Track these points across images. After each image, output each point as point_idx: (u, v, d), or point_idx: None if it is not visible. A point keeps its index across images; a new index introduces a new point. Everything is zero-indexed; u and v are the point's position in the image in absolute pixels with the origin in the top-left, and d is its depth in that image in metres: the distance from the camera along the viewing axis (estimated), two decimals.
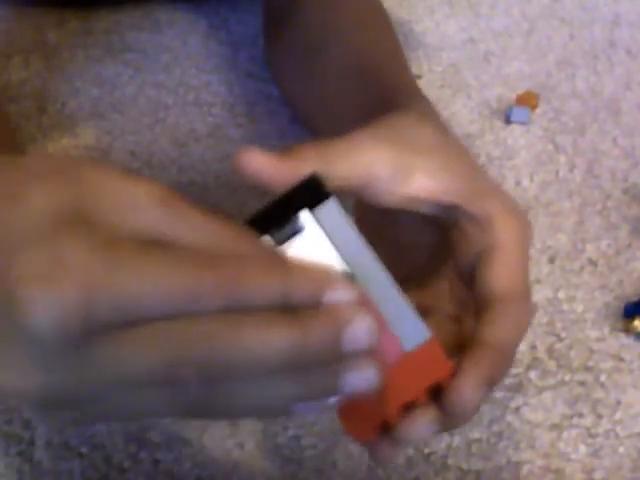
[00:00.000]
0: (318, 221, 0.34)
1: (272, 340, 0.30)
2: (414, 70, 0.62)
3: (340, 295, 0.31)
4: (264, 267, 0.31)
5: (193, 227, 0.33)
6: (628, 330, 0.51)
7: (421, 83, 0.70)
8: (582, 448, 0.45)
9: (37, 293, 0.29)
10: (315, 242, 0.34)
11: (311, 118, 0.62)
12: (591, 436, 0.46)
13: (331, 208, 0.34)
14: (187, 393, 0.31)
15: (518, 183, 0.62)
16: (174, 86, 0.70)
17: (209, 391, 0.31)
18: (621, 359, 0.50)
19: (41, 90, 0.69)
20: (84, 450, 0.44)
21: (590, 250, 0.57)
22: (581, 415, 0.47)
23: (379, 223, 0.41)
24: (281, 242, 0.34)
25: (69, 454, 0.43)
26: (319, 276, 0.31)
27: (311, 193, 0.34)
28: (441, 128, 0.44)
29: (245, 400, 0.31)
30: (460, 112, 0.68)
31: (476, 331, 0.37)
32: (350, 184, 0.38)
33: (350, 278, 0.34)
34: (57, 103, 0.68)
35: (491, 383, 0.36)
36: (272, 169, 0.36)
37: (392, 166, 0.39)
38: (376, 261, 0.34)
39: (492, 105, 0.69)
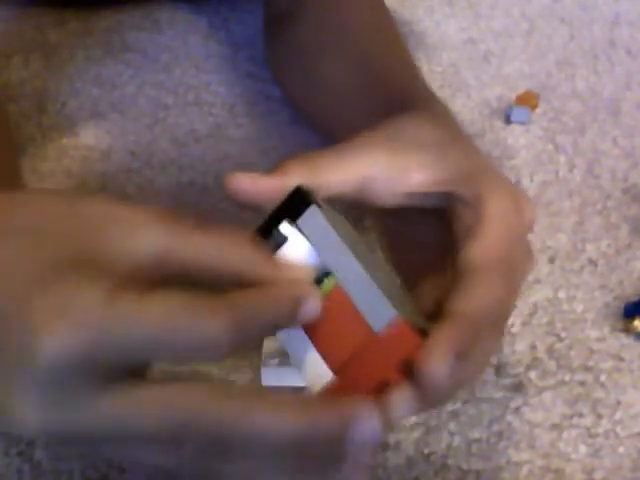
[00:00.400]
0: (300, 229, 0.36)
1: (278, 426, 0.31)
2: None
3: (364, 431, 0.32)
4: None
5: (193, 242, 0.33)
6: (628, 330, 0.51)
7: None
8: (582, 448, 0.45)
9: (51, 324, 0.30)
10: (299, 249, 0.36)
11: (317, 119, 0.62)
12: (591, 436, 0.46)
13: (311, 215, 0.36)
14: (188, 459, 0.31)
15: (518, 183, 0.61)
16: (174, 86, 0.70)
17: (210, 461, 0.32)
18: (621, 359, 0.50)
19: (41, 90, 0.69)
20: (84, 450, 0.44)
21: (590, 250, 0.57)
22: (581, 415, 0.47)
23: (391, 225, 0.41)
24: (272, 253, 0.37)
25: (69, 454, 0.43)
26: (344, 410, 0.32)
27: (296, 204, 0.37)
28: (442, 123, 0.44)
29: (244, 473, 0.32)
30: (460, 112, 0.68)
31: (447, 302, 0.36)
32: (344, 191, 0.39)
33: (329, 276, 0.36)
34: (57, 103, 0.68)
35: (461, 353, 0.35)
36: (260, 188, 0.37)
37: (387, 166, 0.39)
38: (350, 255, 0.35)
39: (492, 105, 0.69)
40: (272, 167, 0.38)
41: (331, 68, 0.59)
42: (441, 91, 0.70)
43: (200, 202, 0.59)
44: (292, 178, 0.37)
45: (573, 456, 0.45)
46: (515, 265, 0.39)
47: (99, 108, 0.67)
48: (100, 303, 0.30)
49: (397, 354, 0.34)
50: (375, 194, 0.39)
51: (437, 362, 0.33)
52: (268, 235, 0.37)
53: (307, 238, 0.36)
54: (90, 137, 0.64)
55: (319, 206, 0.37)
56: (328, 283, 0.36)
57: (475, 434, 0.45)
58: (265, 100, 0.69)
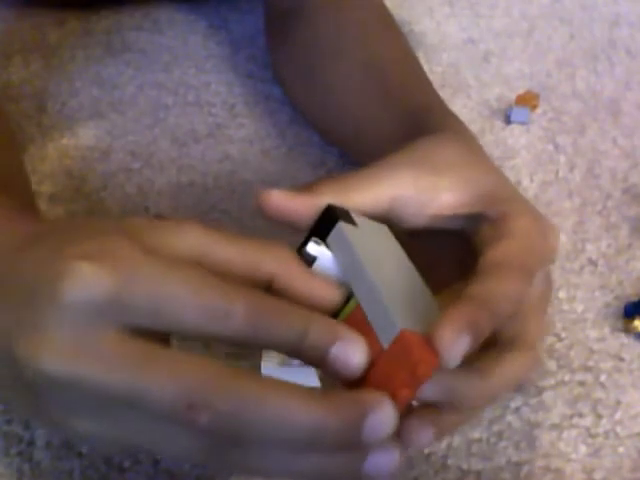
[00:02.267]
0: (329, 247, 0.37)
1: (295, 411, 0.30)
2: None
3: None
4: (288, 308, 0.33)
5: (231, 244, 0.35)
6: (628, 330, 0.51)
7: None
8: (582, 448, 0.45)
9: (81, 266, 0.31)
10: (328, 267, 0.37)
11: (319, 121, 0.62)
12: (591, 436, 0.46)
13: (337, 233, 0.37)
14: (203, 441, 0.31)
15: (518, 183, 0.61)
16: (174, 86, 0.70)
17: (224, 448, 0.32)
18: (621, 359, 0.50)
19: (41, 90, 0.69)
20: (84, 450, 0.44)
21: (590, 250, 0.57)
22: (581, 415, 0.47)
23: (410, 245, 0.42)
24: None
25: (69, 454, 0.43)
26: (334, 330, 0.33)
27: (325, 222, 0.38)
28: (466, 143, 0.44)
29: (259, 465, 0.32)
30: (460, 112, 0.68)
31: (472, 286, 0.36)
32: (373, 212, 0.39)
33: (350, 293, 0.36)
34: (57, 103, 0.68)
35: (474, 330, 0.33)
36: (292, 206, 0.38)
37: (416, 188, 0.40)
38: (366, 272, 0.35)
39: (492, 105, 0.69)
40: (297, 184, 0.39)
41: (335, 71, 0.59)
42: (441, 91, 0.70)
43: (200, 202, 0.59)
44: (323, 198, 0.38)
45: (573, 456, 0.45)
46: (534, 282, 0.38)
47: (99, 108, 0.67)
48: (135, 251, 0.32)
49: (405, 368, 0.33)
50: (403, 215, 0.40)
51: (449, 338, 0.32)
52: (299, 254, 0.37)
53: (335, 256, 0.37)
54: (90, 137, 0.64)
55: (351, 223, 0.37)
56: (352, 302, 0.36)
57: (475, 434, 0.45)
58: (265, 100, 0.69)
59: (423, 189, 0.40)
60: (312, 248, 0.37)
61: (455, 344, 0.32)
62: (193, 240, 0.34)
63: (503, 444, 0.45)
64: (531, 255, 0.38)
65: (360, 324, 0.34)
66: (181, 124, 0.66)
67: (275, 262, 0.35)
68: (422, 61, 0.73)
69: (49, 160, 0.62)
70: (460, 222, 0.40)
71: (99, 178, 0.61)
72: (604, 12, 0.81)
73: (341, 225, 0.37)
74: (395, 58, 0.59)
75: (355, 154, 0.58)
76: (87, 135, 0.65)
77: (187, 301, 0.31)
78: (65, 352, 0.31)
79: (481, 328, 0.34)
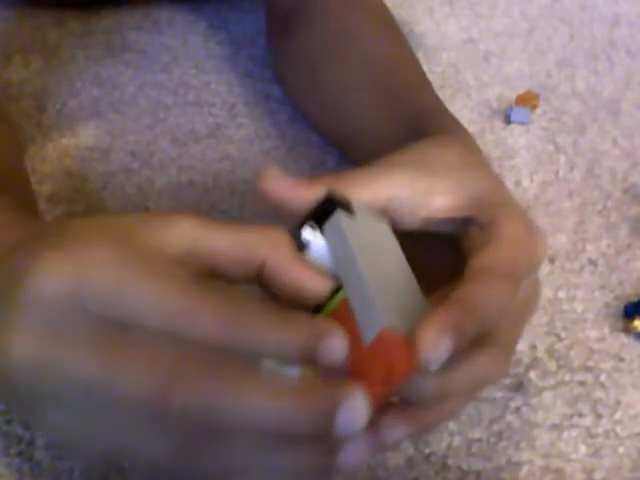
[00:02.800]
0: (324, 234, 0.37)
1: (263, 401, 0.30)
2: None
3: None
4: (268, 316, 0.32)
5: (222, 232, 0.35)
6: (628, 330, 0.51)
7: None
8: (582, 448, 0.45)
9: (46, 257, 0.32)
10: (320, 254, 0.37)
11: (320, 122, 0.62)
12: (591, 436, 0.46)
13: (334, 221, 0.37)
14: (174, 435, 0.31)
15: (518, 183, 0.62)
16: (174, 86, 0.70)
17: (197, 443, 0.31)
18: (621, 359, 0.50)
19: (41, 90, 0.69)
20: None
21: (590, 250, 0.57)
22: (581, 415, 0.47)
23: (403, 245, 0.42)
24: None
25: (69, 454, 0.43)
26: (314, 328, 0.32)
27: (324, 209, 0.37)
28: (463, 146, 0.44)
29: (232, 462, 0.32)
30: (460, 112, 0.68)
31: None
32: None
33: (339, 284, 0.36)
34: (57, 103, 0.68)
35: (457, 334, 0.33)
36: (291, 193, 0.38)
37: (411, 191, 0.40)
38: (356, 264, 0.35)
39: (492, 105, 0.69)
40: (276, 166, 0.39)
41: (336, 72, 0.59)
42: (441, 91, 0.70)
43: (200, 202, 0.59)
44: (323, 190, 0.38)
45: (573, 456, 0.45)
46: (523, 280, 0.38)
47: (99, 108, 0.67)
48: (109, 253, 0.32)
49: (382, 366, 0.33)
50: (397, 216, 0.40)
51: (431, 338, 0.32)
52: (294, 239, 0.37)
53: (327, 244, 0.37)
54: (90, 137, 0.64)
55: (350, 213, 0.37)
56: (340, 295, 0.35)
57: (475, 434, 0.45)
58: (265, 100, 0.69)
59: (418, 191, 0.40)
60: (307, 233, 0.37)
61: (437, 346, 0.32)
62: (185, 231, 0.34)
63: (503, 444, 0.45)
64: (518, 262, 0.38)
65: (345, 318, 0.34)
66: (181, 124, 0.66)
67: (268, 248, 0.35)
68: (422, 61, 0.73)
69: (49, 160, 0.62)
70: (452, 225, 0.40)
71: (99, 178, 0.61)
72: (604, 12, 0.81)
73: (339, 214, 0.37)
74: (395, 60, 0.59)
75: (354, 155, 0.58)
76: (87, 135, 0.65)
77: (147, 300, 0.31)
78: (35, 339, 0.31)
79: (464, 332, 0.33)
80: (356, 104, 0.56)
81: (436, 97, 0.55)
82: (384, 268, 0.37)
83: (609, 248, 0.57)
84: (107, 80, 0.70)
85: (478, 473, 0.44)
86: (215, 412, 0.30)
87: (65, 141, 0.64)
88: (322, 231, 0.37)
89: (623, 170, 0.63)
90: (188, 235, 0.34)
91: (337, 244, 0.36)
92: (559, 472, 0.44)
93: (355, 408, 0.30)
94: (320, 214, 0.37)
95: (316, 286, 0.35)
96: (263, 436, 0.31)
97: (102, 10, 0.78)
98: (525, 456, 0.44)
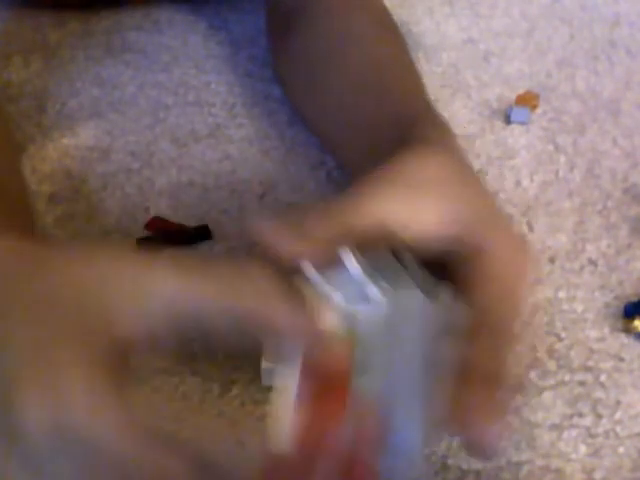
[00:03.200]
0: (394, 297, 0.35)
1: None
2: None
3: None
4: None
5: (208, 285, 0.34)
6: (628, 330, 0.51)
7: None
8: (582, 448, 0.45)
9: (29, 394, 0.32)
10: (380, 330, 0.35)
11: (322, 127, 0.61)
12: (591, 436, 0.46)
13: (407, 295, 0.35)
14: None
15: (518, 183, 0.61)
16: (174, 86, 0.70)
17: None
18: (621, 359, 0.50)
19: (41, 90, 0.69)
20: None
21: (590, 250, 0.57)
22: (581, 415, 0.47)
23: None
24: (350, 301, 0.35)
25: None
26: None
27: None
28: (454, 159, 0.44)
29: None
30: (460, 112, 0.68)
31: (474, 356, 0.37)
32: (366, 236, 0.38)
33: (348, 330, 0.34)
34: (57, 103, 0.68)
35: (498, 414, 0.36)
36: (287, 244, 0.37)
37: (402, 211, 0.39)
38: (418, 385, 0.34)
39: (492, 105, 0.69)
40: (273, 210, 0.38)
41: (334, 75, 0.59)
42: (441, 91, 0.70)
43: (200, 202, 0.59)
44: (320, 231, 0.37)
45: (573, 456, 0.45)
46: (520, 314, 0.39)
47: (99, 108, 0.67)
48: (79, 388, 0.31)
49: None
50: (389, 236, 0.39)
51: (490, 440, 0.35)
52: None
53: (396, 329, 0.35)
54: (90, 137, 0.64)
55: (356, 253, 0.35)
56: (344, 336, 0.34)
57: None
58: (265, 100, 0.69)
59: (409, 211, 0.39)
60: (372, 291, 0.35)
61: (494, 439, 0.35)
62: (162, 289, 0.33)
63: (503, 444, 0.45)
64: (518, 294, 0.39)
65: (341, 371, 0.33)
66: (181, 124, 0.66)
67: (254, 298, 0.34)
68: (422, 61, 0.73)
69: (49, 160, 0.62)
70: (442, 244, 0.39)
71: (99, 178, 0.61)
72: (604, 12, 0.81)
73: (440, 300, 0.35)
74: (393, 64, 0.59)
75: (347, 159, 0.57)
76: (87, 135, 0.65)
77: (113, 445, 0.31)
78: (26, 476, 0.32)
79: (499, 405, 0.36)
80: (353, 109, 0.56)
81: (428, 102, 0.54)
82: (404, 365, 0.35)
83: (609, 248, 0.57)
84: (107, 80, 0.70)
85: (478, 473, 0.44)
86: None
87: (65, 141, 0.64)
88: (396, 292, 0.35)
89: (623, 170, 0.63)
90: (168, 293, 0.33)
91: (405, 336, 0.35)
92: (559, 472, 0.44)
93: None
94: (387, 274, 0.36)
95: (313, 330, 0.34)
96: None
97: (102, 10, 0.78)
98: (525, 456, 0.44)
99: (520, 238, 0.40)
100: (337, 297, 0.35)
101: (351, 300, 0.35)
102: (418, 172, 0.41)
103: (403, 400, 0.34)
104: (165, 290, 0.33)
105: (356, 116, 0.55)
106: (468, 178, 0.43)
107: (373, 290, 0.35)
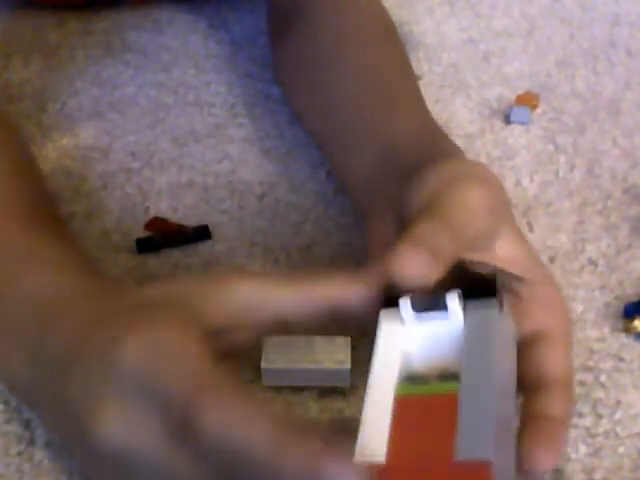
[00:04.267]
0: (465, 312, 0.34)
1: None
2: (414, 70, 0.62)
3: None
4: None
5: (287, 287, 0.37)
6: (628, 330, 0.51)
7: (421, 83, 0.70)
8: (582, 448, 0.45)
9: (126, 343, 0.34)
10: (447, 329, 0.34)
11: (321, 135, 0.61)
12: (591, 436, 0.46)
13: (488, 310, 0.34)
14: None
15: (518, 183, 0.61)
16: (174, 86, 0.70)
17: None
18: (621, 359, 0.50)
19: (41, 90, 0.69)
20: None
21: (590, 250, 0.57)
22: (581, 415, 0.47)
23: None
24: (419, 309, 0.35)
25: (69, 454, 0.43)
26: None
27: (481, 287, 0.35)
28: (496, 191, 0.43)
29: None
30: (460, 112, 0.68)
31: (538, 406, 0.38)
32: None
33: (452, 378, 0.33)
34: (57, 103, 0.68)
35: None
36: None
37: (475, 232, 0.39)
38: (491, 373, 0.32)
39: (492, 105, 0.69)
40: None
41: (332, 78, 0.59)
42: (441, 91, 0.70)
43: (200, 202, 0.59)
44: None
45: (573, 456, 0.45)
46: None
47: (99, 108, 0.67)
48: (177, 341, 0.34)
49: None
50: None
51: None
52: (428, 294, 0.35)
53: (465, 328, 0.34)
54: (90, 137, 0.64)
55: (501, 304, 0.34)
56: (447, 386, 0.33)
57: None
58: (265, 100, 0.69)
59: (484, 233, 0.40)
60: (451, 300, 0.34)
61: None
62: (243, 292, 0.36)
63: None
64: (571, 354, 0.40)
65: (445, 413, 0.31)
66: (181, 124, 0.66)
67: (332, 289, 0.36)
68: (422, 61, 0.73)
69: (49, 160, 0.62)
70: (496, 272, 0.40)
71: (99, 178, 0.61)
72: (604, 12, 0.81)
73: (495, 305, 0.34)
74: (391, 69, 0.59)
75: (341, 165, 0.57)
76: (87, 135, 0.65)
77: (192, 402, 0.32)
78: (120, 418, 0.34)
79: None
80: (353, 122, 0.56)
81: (428, 114, 0.55)
82: (505, 392, 0.34)
83: (609, 248, 0.57)
84: (107, 80, 0.70)
85: None
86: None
87: (65, 141, 0.64)
88: (466, 307, 0.34)
89: (623, 170, 0.63)
90: (248, 296, 0.36)
91: (477, 334, 0.33)
92: (559, 472, 0.44)
93: None
94: (472, 288, 0.35)
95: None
96: None
97: (102, 10, 0.78)
98: None
99: (561, 296, 0.42)
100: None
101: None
102: (467, 203, 0.40)
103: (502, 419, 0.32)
104: (247, 298, 0.36)
105: (357, 129, 0.55)
106: (508, 208, 0.43)
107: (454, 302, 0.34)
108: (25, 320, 0.41)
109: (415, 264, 0.35)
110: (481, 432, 0.30)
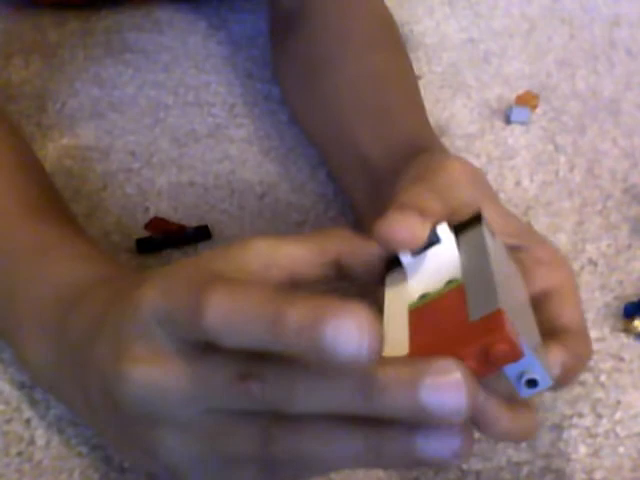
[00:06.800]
0: (459, 238, 0.37)
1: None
2: (414, 70, 0.62)
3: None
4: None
5: (295, 242, 0.37)
6: (628, 330, 0.51)
7: (421, 83, 0.70)
8: (582, 448, 0.45)
9: (147, 287, 0.34)
10: (445, 255, 0.36)
11: (317, 132, 0.61)
12: (591, 436, 0.46)
13: (478, 231, 0.37)
14: (254, 428, 0.32)
15: (518, 183, 0.62)
16: (174, 86, 0.70)
17: (278, 428, 0.32)
18: (621, 359, 0.50)
19: (41, 90, 0.69)
20: (84, 450, 0.44)
21: (590, 250, 0.57)
22: (581, 415, 0.47)
23: None
24: (416, 253, 0.37)
25: (69, 454, 0.43)
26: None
27: (468, 223, 0.38)
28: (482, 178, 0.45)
29: (311, 452, 0.31)
30: (460, 112, 0.68)
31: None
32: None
33: (452, 282, 0.35)
34: (57, 103, 0.68)
35: (565, 379, 0.37)
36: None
37: (460, 203, 0.40)
38: (488, 265, 0.34)
39: (492, 105, 0.69)
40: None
41: (332, 83, 0.59)
42: (441, 91, 0.70)
43: (200, 202, 0.59)
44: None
45: (573, 456, 0.45)
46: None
47: (99, 108, 0.67)
48: (193, 276, 0.33)
49: (480, 342, 0.30)
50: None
51: (556, 358, 0.37)
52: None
53: (460, 246, 0.36)
54: (90, 137, 0.64)
55: (491, 233, 0.37)
56: (448, 286, 0.35)
57: (475, 434, 0.45)
58: (265, 100, 0.69)
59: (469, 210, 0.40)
60: (442, 230, 0.37)
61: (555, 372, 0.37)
62: (259, 249, 0.36)
63: (503, 444, 0.45)
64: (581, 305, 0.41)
65: (454, 304, 0.33)
66: (181, 124, 0.66)
67: (338, 241, 0.37)
68: (422, 61, 0.73)
69: (49, 160, 0.62)
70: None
71: (99, 178, 0.61)
72: (604, 12, 0.81)
73: (484, 227, 0.37)
74: (391, 74, 0.59)
75: (338, 168, 0.57)
76: (87, 135, 0.65)
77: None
78: (142, 363, 0.33)
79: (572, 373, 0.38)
80: (351, 130, 0.56)
81: (426, 122, 0.55)
82: (511, 286, 0.36)
83: (609, 248, 0.57)
84: (107, 80, 0.70)
85: (478, 473, 0.44)
86: (295, 391, 0.31)
87: (65, 141, 0.64)
88: (457, 237, 0.37)
89: (623, 170, 0.63)
90: (263, 250, 0.36)
91: (471, 249, 0.36)
92: (559, 472, 0.44)
93: (450, 381, 0.29)
94: (461, 226, 0.38)
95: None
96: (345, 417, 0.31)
97: (102, 10, 0.78)
98: (525, 456, 0.44)
99: (560, 253, 0.43)
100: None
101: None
102: (468, 179, 0.42)
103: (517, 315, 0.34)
104: (261, 254, 0.36)
105: (352, 136, 0.55)
106: (491, 190, 0.45)
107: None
108: (47, 311, 0.41)
109: (405, 227, 0.36)
110: (487, 293, 0.32)
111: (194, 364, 0.32)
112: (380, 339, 0.28)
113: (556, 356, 0.37)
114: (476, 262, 0.35)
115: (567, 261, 0.43)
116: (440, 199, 0.39)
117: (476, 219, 0.38)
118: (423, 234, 0.37)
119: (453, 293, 0.34)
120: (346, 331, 0.28)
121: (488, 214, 0.40)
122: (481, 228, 0.37)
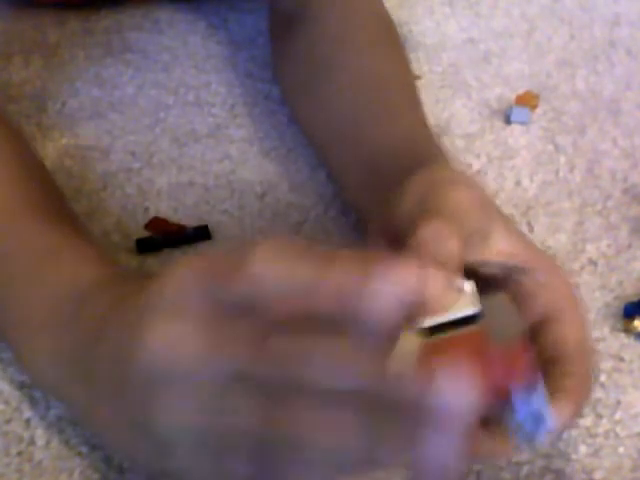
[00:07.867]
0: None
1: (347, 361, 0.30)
2: (414, 70, 0.62)
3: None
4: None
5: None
6: (628, 330, 0.51)
7: (421, 83, 0.70)
8: (582, 448, 0.45)
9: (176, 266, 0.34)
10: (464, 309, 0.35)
11: (316, 133, 0.61)
12: (591, 436, 0.46)
13: (497, 298, 0.37)
14: (259, 401, 0.32)
15: (518, 183, 0.62)
16: (174, 86, 0.70)
17: (278, 408, 0.32)
18: (621, 359, 0.50)
19: (41, 90, 0.69)
20: (84, 450, 0.44)
21: (590, 250, 0.57)
22: (581, 415, 0.47)
23: None
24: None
25: (69, 454, 0.43)
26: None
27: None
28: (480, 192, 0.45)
29: (309, 440, 0.31)
30: (460, 112, 0.68)
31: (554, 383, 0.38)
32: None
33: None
34: (57, 103, 0.68)
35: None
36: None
37: (470, 230, 0.40)
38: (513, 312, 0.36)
39: (492, 105, 0.69)
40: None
41: (331, 85, 0.59)
42: (441, 91, 0.70)
43: (200, 202, 0.59)
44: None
45: (573, 456, 0.45)
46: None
47: (99, 108, 0.67)
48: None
49: (504, 364, 0.31)
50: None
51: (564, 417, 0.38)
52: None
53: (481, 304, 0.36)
54: (90, 137, 0.64)
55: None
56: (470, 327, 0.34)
57: None
58: (265, 100, 0.69)
59: (477, 231, 0.40)
60: (467, 283, 0.35)
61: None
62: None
63: None
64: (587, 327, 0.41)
65: (467, 343, 0.33)
66: (181, 124, 0.66)
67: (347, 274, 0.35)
68: (422, 61, 0.73)
69: (49, 160, 0.62)
70: (501, 269, 0.41)
71: (99, 178, 0.61)
72: (604, 12, 0.81)
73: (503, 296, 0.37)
74: (391, 76, 0.59)
75: (344, 184, 0.57)
76: (87, 135, 0.65)
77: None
78: (166, 319, 0.33)
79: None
80: (351, 132, 0.56)
81: (425, 124, 0.55)
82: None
83: (609, 248, 0.57)
84: (107, 80, 0.70)
85: (478, 473, 0.44)
86: (305, 366, 0.31)
87: (65, 141, 0.64)
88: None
89: (623, 170, 0.63)
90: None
91: (494, 307, 0.36)
92: (559, 472, 0.44)
93: (464, 385, 0.29)
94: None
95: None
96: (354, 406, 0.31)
97: (102, 10, 0.78)
98: (525, 456, 0.44)
99: (568, 278, 0.43)
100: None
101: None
102: (472, 197, 0.42)
103: None
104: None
105: (354, 140, 0.55)
106: (496, 207, 0.44)
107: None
108: (48, 313, 0.41)
109: (432, 281, 0.34)
110: (510, 325, 0.34)
111: (221, 322, 0.32)
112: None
113: (561, 410, 0.38)
114: (499, 310, 0.35)
115: (572, 286, 0.43)
116: (458, 238, 0.38)
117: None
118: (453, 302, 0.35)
119: (473, 334, 0.33)
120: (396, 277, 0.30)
121: (496, 238, 0.40)
122: (504, 296, 0.37)
